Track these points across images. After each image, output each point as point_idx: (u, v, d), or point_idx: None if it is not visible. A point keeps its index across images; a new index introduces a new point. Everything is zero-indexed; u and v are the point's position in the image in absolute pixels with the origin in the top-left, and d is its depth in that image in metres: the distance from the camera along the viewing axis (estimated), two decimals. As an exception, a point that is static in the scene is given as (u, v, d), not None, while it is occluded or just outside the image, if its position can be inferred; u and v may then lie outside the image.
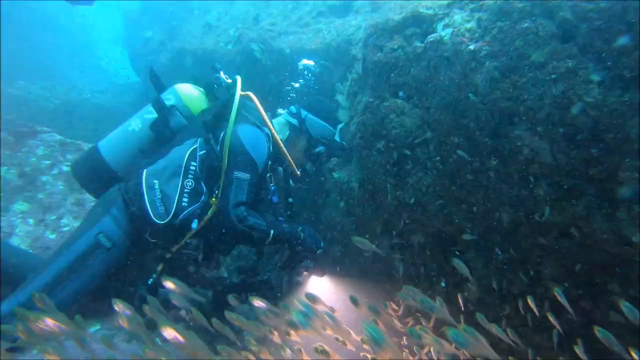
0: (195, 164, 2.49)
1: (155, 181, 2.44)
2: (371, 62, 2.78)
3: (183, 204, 2.42)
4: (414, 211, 2.65)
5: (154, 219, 2.36)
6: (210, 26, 6.02)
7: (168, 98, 2.76)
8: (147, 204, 2.37)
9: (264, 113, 2.72)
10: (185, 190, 2.45)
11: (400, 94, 2.65)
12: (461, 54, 2.26)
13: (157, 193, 2.41)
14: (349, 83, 3.28)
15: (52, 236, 3.31)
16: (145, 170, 2.48)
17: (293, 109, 3.04)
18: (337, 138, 3.16)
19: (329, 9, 4.42)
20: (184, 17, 6.98)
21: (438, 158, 2.49)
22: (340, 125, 3.23)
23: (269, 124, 2.71)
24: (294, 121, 2.99)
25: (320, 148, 3.03)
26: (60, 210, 3.53)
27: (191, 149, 2.53)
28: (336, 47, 3.83)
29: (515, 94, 2.09)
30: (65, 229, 3.39)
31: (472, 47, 2.21)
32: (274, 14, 4.98)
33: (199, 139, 2.60)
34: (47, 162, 3.95)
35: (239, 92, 2.67)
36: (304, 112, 3.02)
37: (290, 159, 2.80)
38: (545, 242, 2.14)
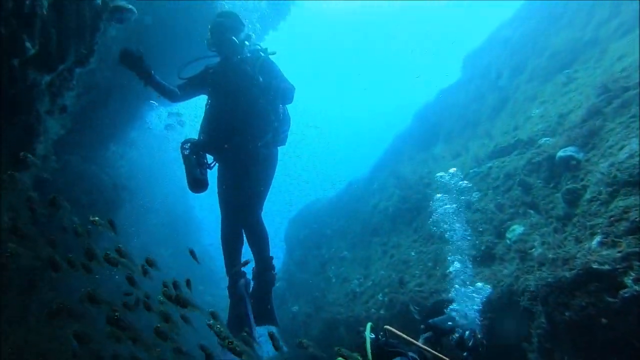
0: None
1: None
2: (561, 322, 2.84)
3: None
4: None
5: None
6: (355, 293, 6.63)
7: None
8: None
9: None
10: None
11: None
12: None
13: None
14: (536, 339, 3.25)
15: None
16: None
17: None
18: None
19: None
20: (325, 288, 7.83)
21: None
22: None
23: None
24: None
25: None
26: None
27: None
28: (498, 299, 3.96)
29: None
30: None
31: (680, 298, 2.24)
32: (416, 274, 5.45)
33: None
34: None
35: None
36: None
37: None
38: None
